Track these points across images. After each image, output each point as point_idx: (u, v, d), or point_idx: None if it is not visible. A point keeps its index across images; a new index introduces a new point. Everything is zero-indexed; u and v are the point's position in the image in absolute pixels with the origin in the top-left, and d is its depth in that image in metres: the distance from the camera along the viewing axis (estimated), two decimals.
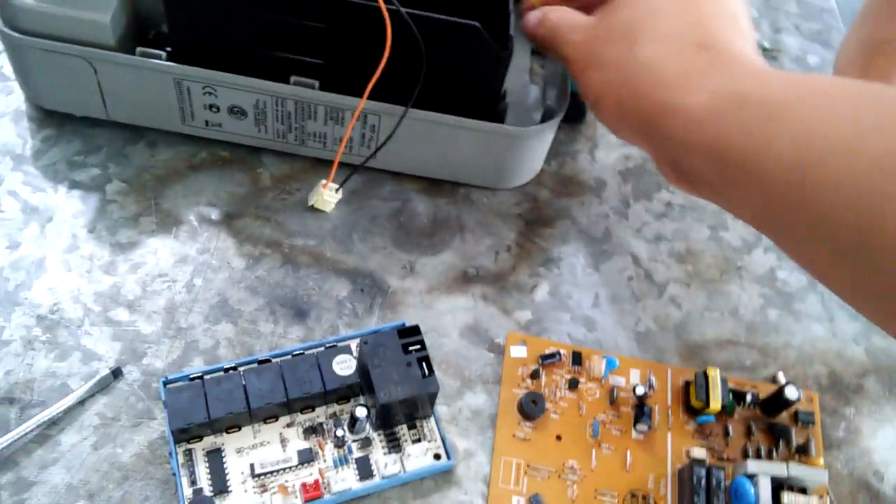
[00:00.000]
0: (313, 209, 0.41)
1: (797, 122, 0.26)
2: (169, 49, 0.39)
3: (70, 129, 0.42)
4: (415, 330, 0.35)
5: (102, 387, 0.35)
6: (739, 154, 0.28)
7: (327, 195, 0.40)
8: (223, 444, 0.34)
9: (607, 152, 0.47)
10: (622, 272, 0.42)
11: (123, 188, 0.41)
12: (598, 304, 0.41)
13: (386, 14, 0.35)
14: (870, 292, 0.25)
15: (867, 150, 0.24)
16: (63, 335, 0.36)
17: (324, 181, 0.40)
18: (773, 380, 0.39)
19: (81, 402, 0.34)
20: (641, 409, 0.36)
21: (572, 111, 0.45)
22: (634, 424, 0.36)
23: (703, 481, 0.33)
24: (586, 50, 0.35)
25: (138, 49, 0.38)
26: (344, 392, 0.35)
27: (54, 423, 0.34)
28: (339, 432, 0.34)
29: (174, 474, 0.33)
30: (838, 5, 0.58)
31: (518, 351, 0.38)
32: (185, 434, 0.33)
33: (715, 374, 0.36)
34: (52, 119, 0.42)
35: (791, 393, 0.36)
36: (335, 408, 0.35)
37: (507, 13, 0.40)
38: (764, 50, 0.53)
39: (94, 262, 0.38)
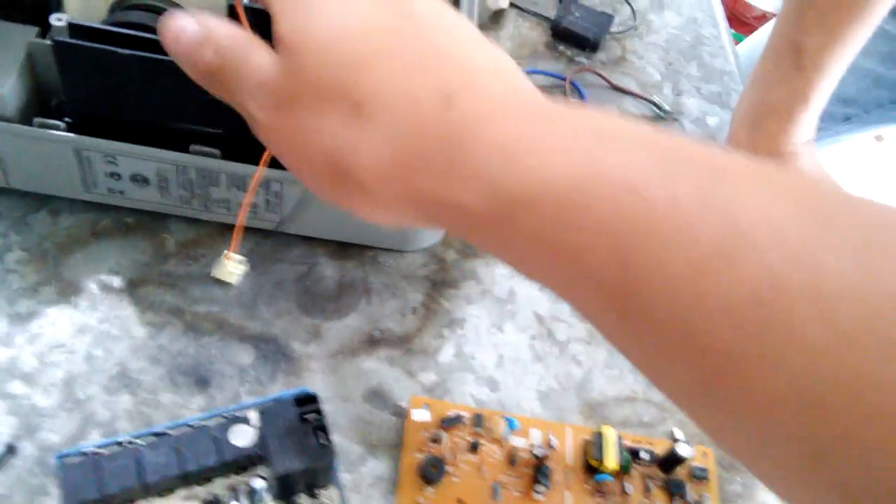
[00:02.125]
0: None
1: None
2: (69, 119, 0.39)
3: None
4: (312, 398, 0.35)
5: None
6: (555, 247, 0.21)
7: (231, 266, 0.40)
8: None
9: None
10: (525, 331, 0.43)
11: (24, 257, 0.40)
12: (501, 365, 0.42)
13: None
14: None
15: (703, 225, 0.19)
16: None
17: (226, 251, 0.40)
18: (671, 436, 0.40)
19: None
20: (540, 470, 0.37)
21: None
22: (534, 485, 0.37)
23: None
24: (284, 125, 0.24)
25: (36, 120, 0.38)
26: (243, 462, 0.35)
27: None
28: None
29: None
30: (738, 68, 0.61)
31: (420, 414, 0.39)
32: None
33: (610, 434, 0.37)
34: None
35: (683, 450, 0.37)
36: (234, 479, 0.35)
37: None
38: (665, 112, 0.55)
39: None
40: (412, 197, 0.23)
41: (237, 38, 0.25)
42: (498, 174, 0.21)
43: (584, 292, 0.21)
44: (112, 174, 0.40)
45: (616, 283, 0.20)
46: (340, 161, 0.23)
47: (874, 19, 0.47)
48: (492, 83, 0.23)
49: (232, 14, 0.38)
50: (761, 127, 0.49)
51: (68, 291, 0.40)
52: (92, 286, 0.40)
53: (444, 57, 0.23)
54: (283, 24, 0.24)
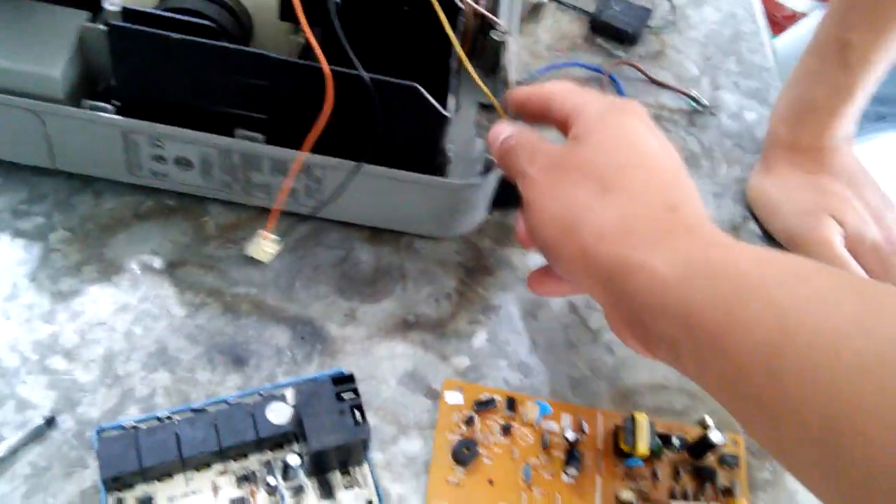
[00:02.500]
0: (253, 259, 0.42)
1: (771, 305, 0.26)
2: (117, 102, 0.40)
3: (16, 178, 0.42)
4: (349, 378, 0.36)
5: (35, 436, 0.35)
6: (709, 325, 0.27)
7: (266, 245, 0.41)
8: (155, 493, 0.34)
9: None
10: (558, 319, 0.43)
11: (67, 237, 0.41)
12: (534, 351, 0.42)
13: (328, 74, 0.36)
14: (833, 485, 0.24)
15: (845, 347, 0.23)
16: None
17: (262, 231, 0.41)
18: (702, 423, 0.40)
19: (14, 452, 0.34)
20: (571, 454, 0.37)
21: (513, 196, 0.46)
22: (564, 468, 0.37)
23: None
24: (547, 181, 0.34)
25: (86, 102, 0.39)
26: (278, 440, 0.35)
27: None
28: (272, 480, 0.35)
29: None
30: (777, 64, 0.60)
31: (453, 397, 0.39)
32: (116, 483, 0.34)
33: (642, 419, 0.37)
34: None
35: (715, 437, 0.37)
36: (269, 455, 0.36)
37: (447, 74, 0.42)
38: (703, 107, 0.55)
39: (33, 311, 0.38)
40: (614, 259, 0.31)
41: (532, 138, 0.37)
42: (693, 251, 0.29)
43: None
44: (157, 157, 0.41)
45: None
46: (576, 217, 0.32)
47: None
48: (698, 205, 0.32)
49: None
50: (803, 122, 0.49)
51: (110, 271, 0.41)
52: (133, 266, 0.41)
53: (675, 182, 0.33)
54: (581, 125, 0.34)
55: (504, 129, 0.38)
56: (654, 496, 0.37)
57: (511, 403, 0.39)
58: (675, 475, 0.38)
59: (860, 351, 0.23)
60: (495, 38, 0.50)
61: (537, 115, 0.38)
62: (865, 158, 0.52)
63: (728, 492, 0.37)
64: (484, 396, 0.39)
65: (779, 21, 1.51)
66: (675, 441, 0.38)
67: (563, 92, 0.37)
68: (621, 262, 0.30)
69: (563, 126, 0.36)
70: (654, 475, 0.38)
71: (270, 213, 0.41)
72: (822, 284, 0.26)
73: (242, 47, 0.37)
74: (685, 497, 0.37)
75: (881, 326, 0.23)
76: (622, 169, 0.32)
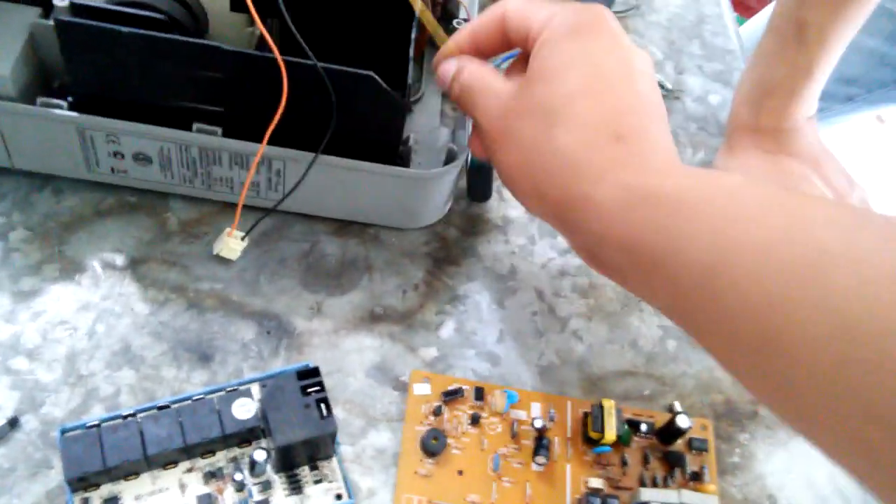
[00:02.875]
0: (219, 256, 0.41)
1: (707, 224, 0.26)
2: (70, 99, 0.39)
3: None
4: (314, 372, 0.35)
5: None
6: (650, 251, 0.28)
7: (233, 243, 0.40)
8: (121, 492, 0.34)
9: None
10: (526, 307, 0.43)
11: (27, 236, 0.41)
12: (502, 340, 0.42)
13: (282, 65, 0.36)
14: (775, 392, 0.26)
15: (775, 257, 0.24)
16: None
17: (228, 228, 0.40)
18: (670, 409, 0.40)
19: None
20: (540, 442, 0.37)
21: (478, 190, 0.46)
22: (534, 457, 0.37)
23: None
24: (500, 123, 0.33)
25: (39, 99, 0.38)
26: (245, 435, 0.35)
27: None
28: (239, 476, 0.34)
29: None
30: (740, 46, 0.61)
31: (421, 388, 0.39)
32: (82, 483, 0.33)
33: (610, 406, 0.37)
34: None
35: (682, 422, 0.37)
36: (236, 451, 0.36)
37: (406, 62, 0.42)
38: (667, 91, 0.55)
39: None
40: (559, 195, 0.31)
41: (482, 72, 0.35)
42: (635, 181, 0.29)
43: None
44: (115, 153, 0.40)
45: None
46: (526, 160, 0.32)
47: None
48: (654, 130, 0.31)
49: None
50: (764, 103, 0.49)
51: (71, 269, 0.40)
52: (95, 264, 0.40)
53: (629, 109, 0.31)
54: (539, 57, 0.32)
55: (451, 66, 0.36)
56: (623, 483, 0.38)
57: (479, 393, 0.39)
58: (645, 461, 0.38)
59: (788, 260, 0.24)
60: (457, 25, 0.49)
61: (494, 47, 0.36)
62: (836, 140, 0.52)
63: (697, 476, 0.38)
64: (452, 387, 0.39)
65: (753, 7, 1.52)
66: (644, 427, 0.39)
67: (518, 10, 0.34)
68: (566, 197, 0.31)
69: (525, 49, 0.34)
70: (624, 462, 0.38)
71: (235, 209, 0.40)
72: (751, 200, 0.26)
73: (194, 39, 0.36)
74: (654, 483, 0.37)
75: (807, 236, 0.24)
76: (570, 99, 0.31)
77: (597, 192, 0.29)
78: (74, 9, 0.36)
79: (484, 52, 0.36)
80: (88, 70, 0.38)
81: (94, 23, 0.35)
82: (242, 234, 0.41)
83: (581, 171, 0.30)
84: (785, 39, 0.47)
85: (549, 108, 0.31)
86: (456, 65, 0.36)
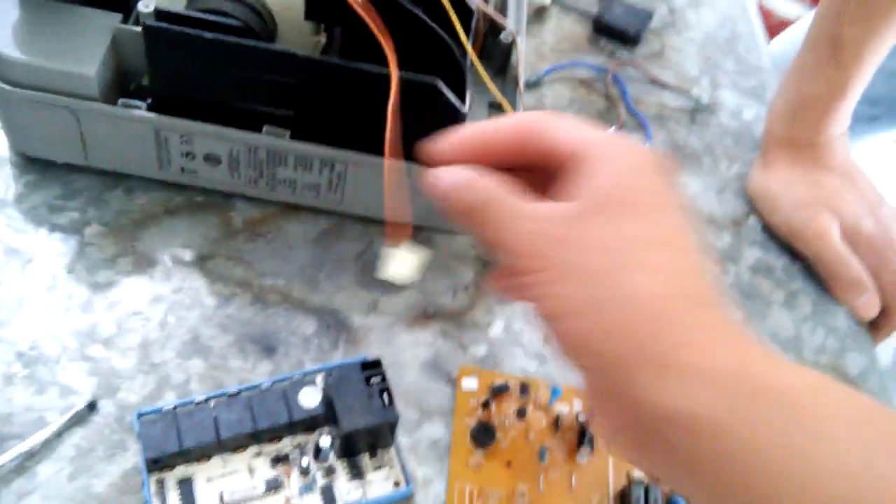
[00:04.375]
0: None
1: (842, 452, 0.22)
2: (148, 100, 0.41)
3: (51, 175, 0.44)
4: (376, 363, 0.37)
5: (78, 420, 0.37)
6: (725, 438, 0.23)
7: (403, 258, 0.32)
8: (194, 474, 0.36)
9: None
10: None
11: (102, 231, 0.43)
12: (548, 340, 0.44)
13: (394, 72, 0.38)
14: None
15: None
16: (41, 370, 0.38)
17: (388, 244, 0.32)
18: None
19: (58, 435, 0.36)
20: (584, 435, 0.39)
21: None
22: (578, 449, 0.39)
23: (642, 500, 0.36)
24: (547, 249, 0.26)
25: (120, 100, 0.40)
26: (309, 423, 0.37)
27: (32, 455, 0.35)
28: (305, 461, 0.36)
29: (147, 503, 0.34)
30: (773, 64, 0.63)
31: (469, 383, 0.41)
32: (157, 464, 0.35)
33: None
34: (33, 165, 0.44)
35: None
36: (301, 438, 0.38)
37: (463, 71, 0.44)
38: (704, 105, 0.57)
39: (72, 301, 0.40)
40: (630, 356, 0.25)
41: (503, 191, 0.27)
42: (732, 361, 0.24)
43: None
44: (187, 154, 0.42)
45: None
46: (595, 287, 0.25)
47: None
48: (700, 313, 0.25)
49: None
50: (799, 117, 0.51)
51: (143, 263, 0.42)
52: (165, 259, 0.42)
53: (702, 272, 0.26)
54: (594, 185, 0.26)
55: (452, 174, 0.28)
56: None
57: (524, 388, 0.41)
58: None
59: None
60: (504, 39, 0.51)
61: (502, 158, 0.29)
62: (859, 159, 0.54)
63: None
64: (498, 382, 0.41)
65: (771, 27, 1.55)
66: None
67: (553, 123, 0.28)
68: (633, 352, 0.24)
69: (548, 166, 0.28)
70: None
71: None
72: (885, 431, 0.23)
73: (272, 46, 0.38)
74: None
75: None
76: (649, 243, 0.26)
77: (681, 357, 0.24)
78: (159, 14, 0.38)
79: (486, 161, 0.29)
80: (169, 73, 0.40)
81: (179, 28, 0.37)
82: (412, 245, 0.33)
83: (662, 327, 0.24)
84: (821, 56, 0.49)
85: (621, 247, 0.25)
86: (462, 175, 0.28)
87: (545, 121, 0.28)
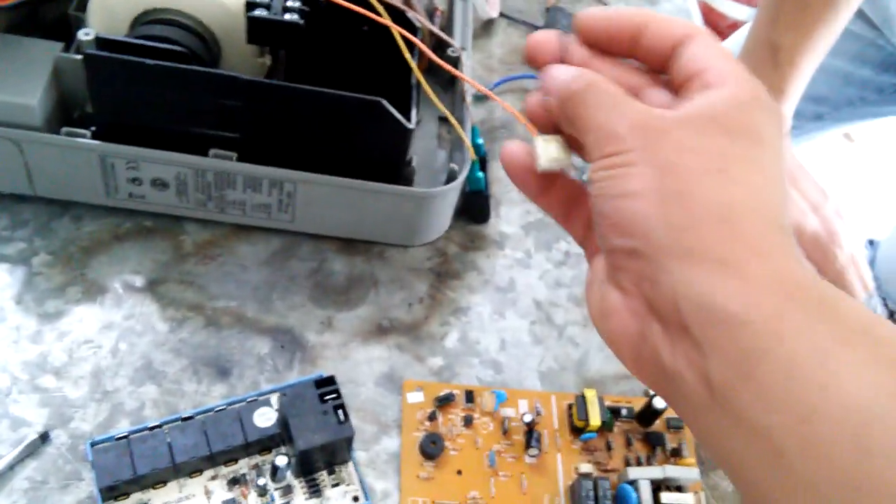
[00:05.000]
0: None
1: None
2: (93, 128, 0.41)
3: None
4: (331, 380, 0.38)
5: (31, 451, 0.36)
6: (780, 352, 0.22)
7: (555, 142, 0.28)
8: (150, 500, 0.36)
9: (510, 208, 0.51)
10: (525, 317, 0.46)
11: (49, 260, 0.42)
12: (504, 348, 0.44)
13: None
14: None
15: None
16: None
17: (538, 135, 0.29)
18: (646, 392, 0.43)
19: (11, 468, 0.36)
20: (531, 435, 0.40)
21: (477, 212, 0.49)
22: (526, 450, 0.40)
23: (592, 493, 0.37)
24: (641, 136, 0.25)
25: (64, 129, 0.40)
26: (265, 443, 0.37)
27: None
28: (262, 481, 0.36)
29: None
30: None
31: (415, 397, 0.41)
32: (113, 492, 0.35)
33: (592, 395, 0.40)
34: None
35: (659, 402, 0.40)
36: (257, 458, 0.38)
37: (409, 88, 0.44)
38: None
39: (20, 332, 0.40)
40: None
41: (612, 85, 0.26)
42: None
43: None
44: (134, 179, 0.42)
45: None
46: (688, 184, 0.24)
47: (841, 19, 0.50)
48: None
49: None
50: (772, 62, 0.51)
51: (93, 291, 0.42)
52: (116, 285, 0.42)
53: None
54: (714, 98, 0.25)
55: (566, 71, 0.27)
56: (610, 465, 0.40)
57: (469, 396, 0.41)
58: (628, 443, 0.41)
59: None
60: (451, 54, 0.52)
61: (614, 48, 0.28)
62: (806, 157, 0.55)
63: (677, 452, 0.41)
64: (443, 392, 0.41)
65: (723, 31, 1.58)
66: (624, 412, 0.42)
67: (677, 24, 0.27)
68: (709, 252, 0.23)
69: (658, 67, 0.27)
70: (609, 446, 0.41)
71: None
72: None
73: (217, 70, 0.39)
74: (639, 462, 0.41)
75: None
76: (761, 167, 0.25)
77: (746, 264, 0.23)
78: (99, 42, 0.38)
79: (601, 46, 0.28)
80: (112, 100, 0.40)
81: (121, 56, 0.37)
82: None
83: (734, 232, 0.24)
84: (759, 61, 0.51)
85: (718, 158, 0.25)
86: (572, 68, 0.27)
87: (666, 18, 0.27)
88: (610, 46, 0.28)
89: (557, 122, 0.28)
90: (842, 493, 0.21)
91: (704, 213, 0.24)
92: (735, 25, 1.60)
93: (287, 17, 0.40)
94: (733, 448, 0.23)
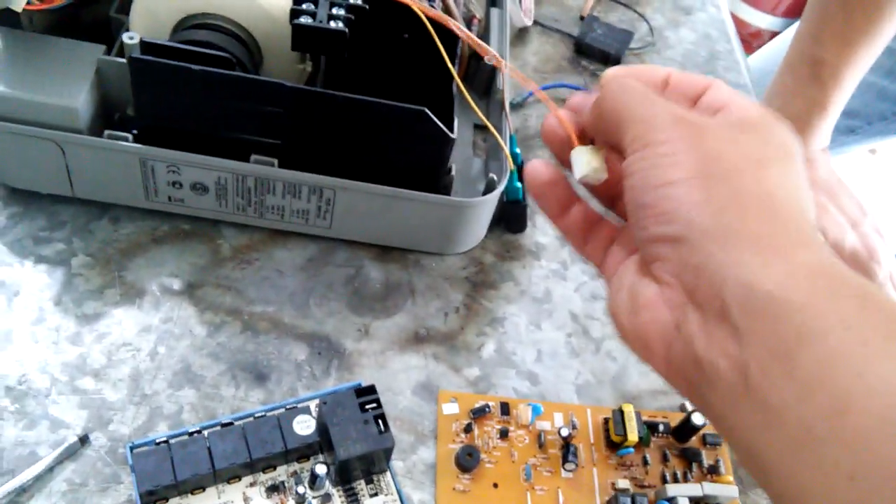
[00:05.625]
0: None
1: None
2: (134, 131, 0.41)
3: (35, 206, 0.44)
4: (370, 389, 0.37)
5: (70, 454, 0.36)
6: (825, 338, 0.22)
7: (592, 154, 0.30)
8: None
9: (546, 218, 0.50)
10: (562, 329, 0.45)
11: (88, 262, 0.42)
12: (540, 360, 0.44)
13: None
14: None
15: None
16: (31, 405, 0.37)
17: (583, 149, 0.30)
18: (682, 408, 0.42)
19: (50, 470, 0.36)
20: (568, 449, 0.40)
21: (515, 221, 0.48)
22: (563, 464, 0.40)
23: None
24: (681, 129, 0.25)
25: (106, 132, 0.40)
26: (304, 451, 0.37)
27: (24, 491, 0.35)
28: (300, 489, 0.36)
29: None
30: (752, 81, 0.64)
31: (450, 408, 0.41)
32: (152, 496, 0.35)
33: (629, 410, 0.40)
34: (18, 197, 0.44)
35: (697, 419, 0.40)
36: (296, 466, 0.37)
37: (451, 97, 0.44)
38: None
39: (60, 334, 0.40)
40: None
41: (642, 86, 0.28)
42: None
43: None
44: (174, 183, 0.42)
45: None
46: (728, 172, 0.25)
47: (885, 34, 0.50)
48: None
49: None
50: (813, 75, 0.51)
51: (132, 293, 0.42)
52: (153, 288, 0.42)
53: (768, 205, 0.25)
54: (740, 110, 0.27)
55: (608, 72, 0.29)
56: (647, 481, 0.40)
57: (505, 408, 0.41)
58: (664, 459, 0.41)
59: None
60: (488, 62, 0.52)
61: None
62: (838, 170, 0.55)
63: (714, 469, 0.41)
64: (478, 404, 0.41)
65: (745, 38, 1.57)
66: (661, 427, 0.41)
67: (699, 76, 0.29)
68: (752, 234, 0.24)
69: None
70: (645, 461, 0.41)
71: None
72: None
73: (262, 77, 0.39)
74: (675, 479, 0.40)
75: None
76: (777, 167, 0.26)
77: (792, 249, 0.23)
78: (144, 46, 0.38)
79: None
80: (155, 104, 0.40)
81: (166, 60, 0.37)
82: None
83: (777, 219, 0.24)
84: (801, 76, 0.50)
85: (758, 154, 0.26)
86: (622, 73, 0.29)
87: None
88: None
89: (585, 132, 0.29)
90: (877, 482, 0.20)
91: (748, 199, 0.24)
92: (758, 34, 1.59)
93: (332, 24, 0.39)
94: (765, 440, 0.22)
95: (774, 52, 0.79)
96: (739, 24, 1.62)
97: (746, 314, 0.23)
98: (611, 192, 0.31)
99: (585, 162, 0.29)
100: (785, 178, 0.25)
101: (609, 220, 0.31)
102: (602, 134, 0.29)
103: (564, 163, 0.31)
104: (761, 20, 1.61)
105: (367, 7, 0.41)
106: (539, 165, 0.31)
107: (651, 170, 0.25)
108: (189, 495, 0.36)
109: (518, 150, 0.49)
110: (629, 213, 0.26)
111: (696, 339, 0.24)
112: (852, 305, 0.22)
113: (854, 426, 0.21)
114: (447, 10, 0.47)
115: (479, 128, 0.53)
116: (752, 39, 1.57)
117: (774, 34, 1.47)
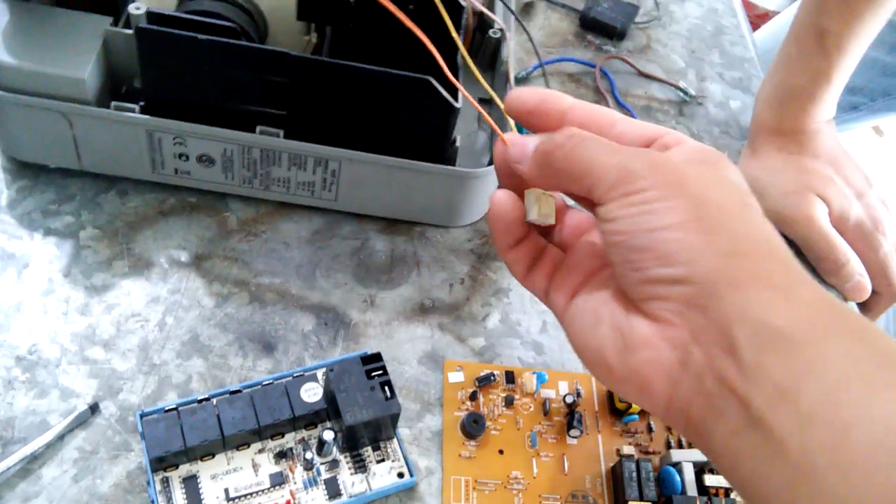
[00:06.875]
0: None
1: None
2: (141, 102, 0.41)
3: (44, 180, 0.44)
4: (377, 357, 0.38)
5: (81, 422, 0.37)
6: (825, 367, 0.23)
7: (544, 199, 0.30)
8: (198, 472, 0.36)
9: None
10: None
11: (96, 234, 0.43)
12: (545, 330, 0.44)
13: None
14: None
15: None
16: (42, 374, 0.38)
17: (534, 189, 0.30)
18: None
19: (61, 437, 0.36)
20: (573, 416, 0.40)
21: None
22: (568, 431, 0.40)
23: (634, 474, 0.37)
24: (660, 170, 0.26)
25: (113, 103, 0.41)
26: (311, 418, 0.37)
27: (35, 458, 0.35)
28: (308, 455, 0.37)
29: (152, 502, 0.35)
30: (758, 55, 0.63)
31: (455, 377, 0.41)
32: (162, 463, 0.35)
33: None
34: (26, 170, 0.44)
35: None
36: (304, 433, 0.38)
37: (456, 67, 0.44)
38: (690, 97, 0.58)
39: (69, 305, 0.40)
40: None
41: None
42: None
43: None
44: (180, 155, 0.42)
45: None
46: (718, 212, 0.26)
47: (890, 4, 0.49)
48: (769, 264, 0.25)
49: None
50: (786, 107, 0.52)
51: (140, 265, 0.42)
52: (161, 260, 0.43)
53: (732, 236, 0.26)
54: (678, 156, 0.28)
55: (549, 136, 0.29)
56: (652, 447, 0.40)
57: (510, 376, 0.41)
58: (668, 426, 0.41)
59: None
60: (493, 35, 0.52)
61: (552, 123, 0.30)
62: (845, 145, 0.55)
63: None
64: (483, 373, 0.41)
65: (752, 20, 1.57)
66: None
67: (650, 125, 0.30)
68: (753, 279, 0.24)
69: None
70: (650, 428, 0.41)
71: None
72: None
73: (268, 47, 0.39)
74: (680, 444, 0.40)
75: None
76: (751, 198, 0.27)
77: (789, 284, 0.24)
78: (150, 17, 0.38)
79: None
80: (162, 75, 0.40)
81: (172, 30, 0.37)
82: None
83: (772, 257, 0.25)
84: (806, 46, 0.50)
85: (735, 189, 0.27)
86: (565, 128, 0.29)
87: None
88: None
89: (530, 179, 0.29)
90: None
91: (745, 241, 0.25)
92: (766, 16, 1.58)
93: None
94: (766, 472, 0.23)
95: (780, 26, 0.79)
96: (747, 5, 1.61)
97: (755, 349, 0.23)
98: (529, 263, 0.31)
99: (536, 209, 0.30)
100: (761, 218, 0.26)
101: (552, 248, 0.31)
102: (554, 185, 0.29)
103: (504, 186, 0.31)
104: (769, 2, 1.60)
105: None
106: (506, 201, 0.30)
107: (640, 216, 0.25)
108: (199, 461, 0.36)
109: None
110: (614, 255, 0.26)
111: (705, 376, 0.24)
112: (851, 339, 0.23)
113: (852, 455, 0.21)
114: None
115: (485, 101, 0.53)
116: (759, 21, 1.56)
117: None
